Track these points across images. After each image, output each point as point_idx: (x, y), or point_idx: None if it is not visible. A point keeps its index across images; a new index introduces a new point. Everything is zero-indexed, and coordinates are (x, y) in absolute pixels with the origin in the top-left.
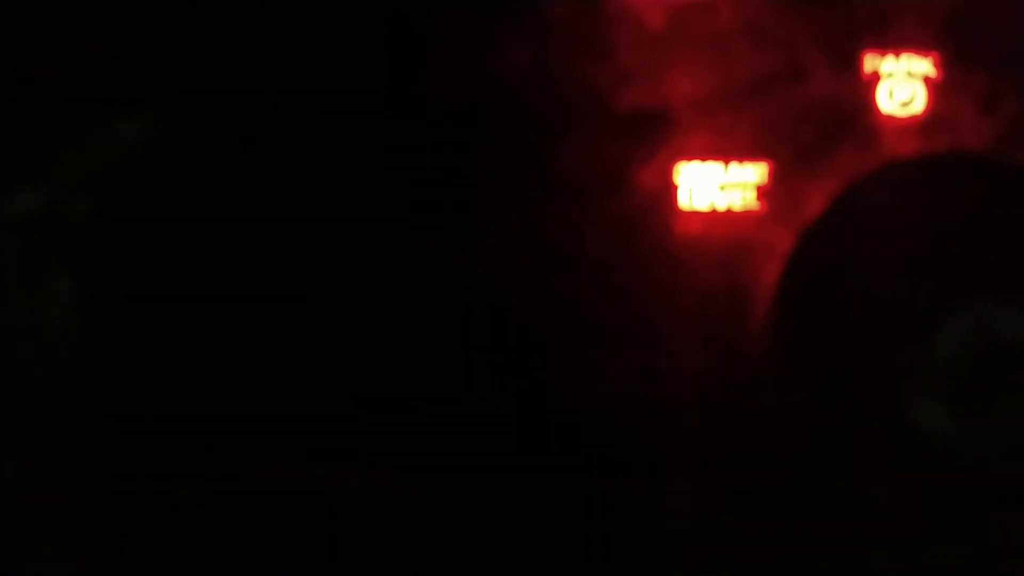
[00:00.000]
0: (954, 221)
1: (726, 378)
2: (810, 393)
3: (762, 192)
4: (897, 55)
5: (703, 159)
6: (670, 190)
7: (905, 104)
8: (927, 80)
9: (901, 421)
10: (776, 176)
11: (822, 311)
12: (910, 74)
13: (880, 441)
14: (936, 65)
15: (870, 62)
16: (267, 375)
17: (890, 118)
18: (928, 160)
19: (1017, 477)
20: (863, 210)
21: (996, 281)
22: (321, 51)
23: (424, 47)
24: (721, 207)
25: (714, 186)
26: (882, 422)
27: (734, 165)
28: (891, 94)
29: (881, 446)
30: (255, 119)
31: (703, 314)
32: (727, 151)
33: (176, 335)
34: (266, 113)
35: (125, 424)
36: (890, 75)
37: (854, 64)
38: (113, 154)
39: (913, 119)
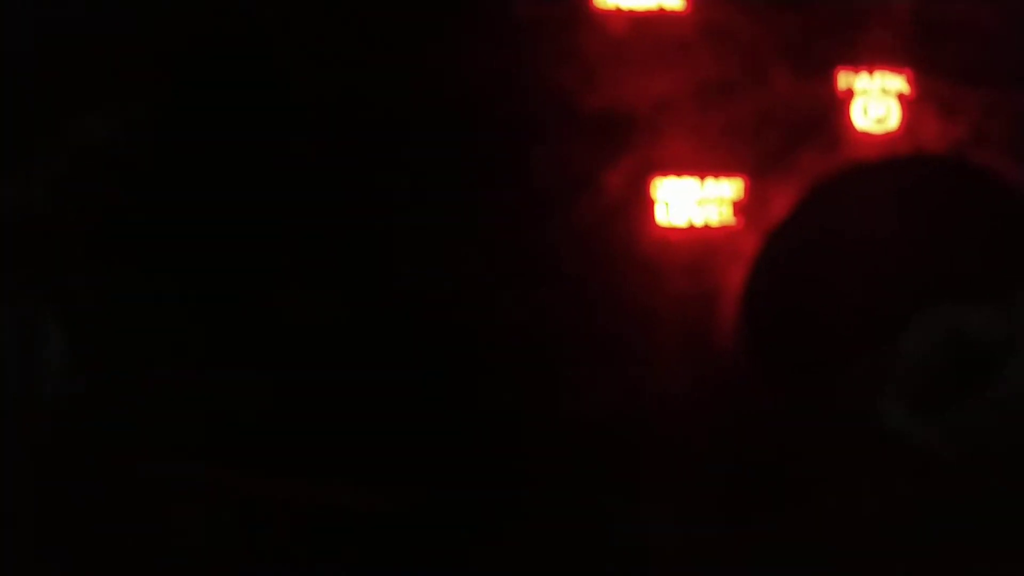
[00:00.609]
0: (918, 223)
1: (699, 384)
2: (781, 396)
3: (738, 208)
4: (871, 71)
5: (679, 175)
6: (647, 205)
7: (879, 121)
8: (900, 96)
9: (870, 422)
10: (751, 192)
11: (790, 314)
12: (884, 91)
13: (850, 442)
14: (909, 82)
15: (844, 79)
16: (249, 390)
17: (865, 134)
18: (891, 163)
19: (983, 476)
20: (827, 213)
21: (962, 281)
22: (289, 59)
23: (398, 58)
24: (697, 222)
25: (690, 201)
26: (852, 423)
27: (710, 181)
28: (865, 111)
29: (851, 447)
30: (223, 124)
31: (675, 322)
32: (703, 167)
33: (152, 347)
34: (233, 117)
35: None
36: (864, 92)
37: (828, 81)
38: (80, 152)
39: (887, 135)
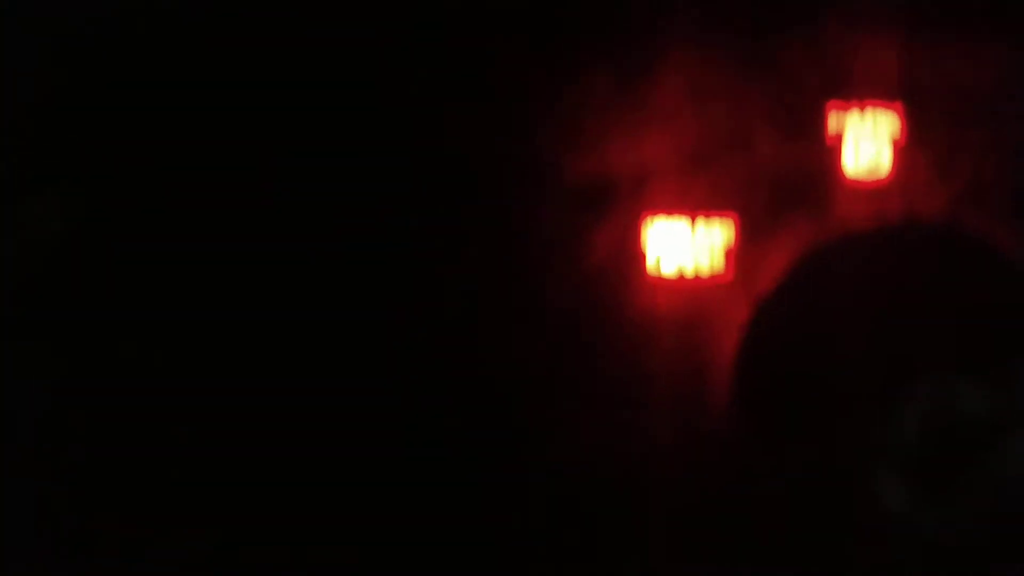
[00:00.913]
0: (912, 292)
1: (692, 446)
2: (773, 463)
3: (727, 255)
4: (862, 109)
5: (669, 218)
6: (637, 253)
7: (870, 165)
8: (892, 140)
9: (863, 498)
10: (742, 238)
11: (781, 381)
12: (875, 133)
13: (842, 515)
14: (900, 123)
15: (835, 120)
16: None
17: (855, 181)
18: (883, 231)
19: (975, 554)
20: (819, 281)
21: (956, 353)
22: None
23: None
24: (687, 270)
25: (680, 249)
26: (845, 497)
27: (700, 226)
28: (856, 154)
29: (843, 519)
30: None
31: (668, 379)
32: (693, 214)
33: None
34: (197, 189)
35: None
36: (855, 134)
37: (819, 122)
38: (29, 229)
39: (878, 182)
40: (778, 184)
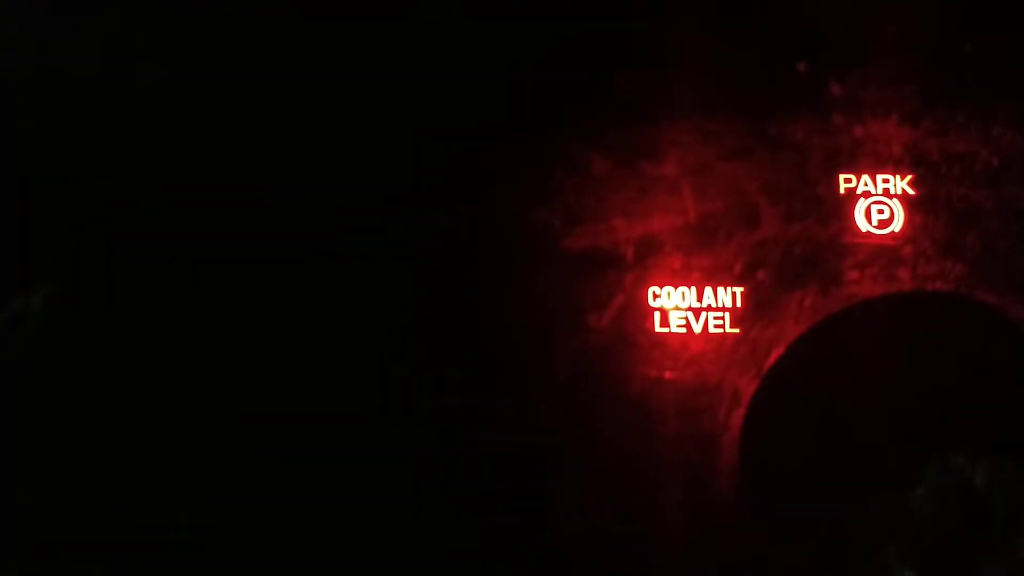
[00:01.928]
0: (923, 363)
1: (697, 525)
2: (781, 545)
3: (735, 319)
4: (873, 178)
5: (676, 287)
6: (646, 327)
7: (882, 223)
8: (903, 199)
9: None
10: (750, 308)
11: (788, 458)
12: (888, 194)
13: None
14: (912, 186)
15: (847, 184)
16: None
17: (868, 234)
18: (892, 299)
19: None
20: (825, 354)
21: (969, 431)
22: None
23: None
24: (695, 340)
25: (688, 318)
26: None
27: (708, 297)
28: (868, 215)
29: None
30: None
31: (674, 457)
32: (701, 284)
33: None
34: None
35: None
36: (867, 195)
37: (832, 185)
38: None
39: (888, 249)
40: (788, 255)
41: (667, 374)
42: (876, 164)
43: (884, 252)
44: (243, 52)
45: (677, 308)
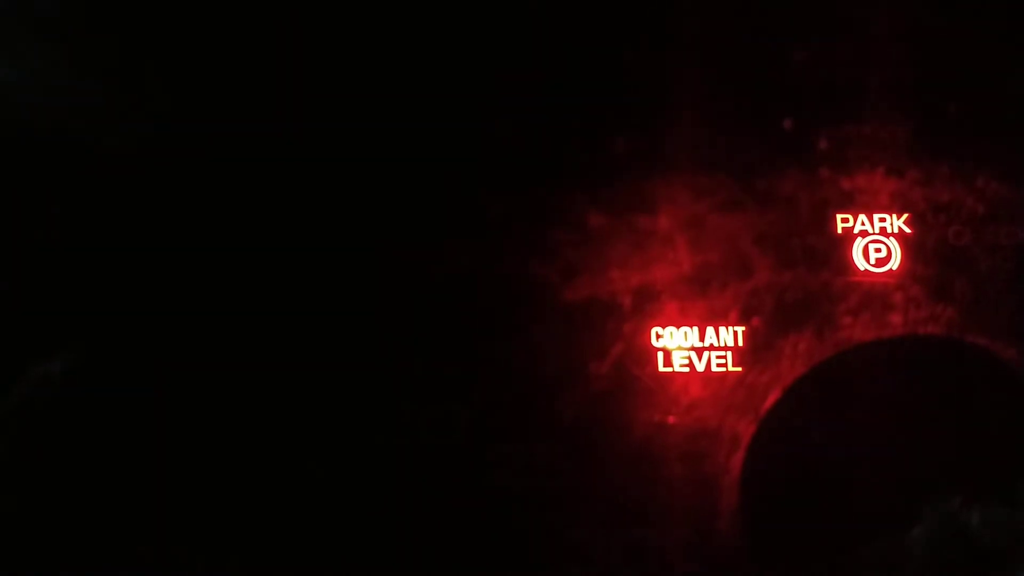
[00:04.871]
0: (919, 406)
1: (698, 566)
2: None
3: (738, 358)
4: (869, 217)
5: (678, 327)
6: (648, 369)
7: (880, 261)
8: (900, 237)
9: None
10: (749, 351)
11: (786, 501)
12: (885, 233)
13: None
14: (908, 224)
15: (843, 223)
16: None
17: (867, 273)
18: (888, 343)
19: None
20: (821, 399)
21: (964, 473)
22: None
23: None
24: (695, 384)
25: (692, 353)
26: None
27: (710, 338)
28: (866, 253)
29: None
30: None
31: (675, 499)
32: (703, 326)
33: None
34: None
35: None
36: (864, 234)
37: (823, 234)
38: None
39: (883, 294)
40: (785, 299)
41: (669, 418)
42: (872, 208)
43: (880, 295)
44: (234, 102)
45: (680, 348)
